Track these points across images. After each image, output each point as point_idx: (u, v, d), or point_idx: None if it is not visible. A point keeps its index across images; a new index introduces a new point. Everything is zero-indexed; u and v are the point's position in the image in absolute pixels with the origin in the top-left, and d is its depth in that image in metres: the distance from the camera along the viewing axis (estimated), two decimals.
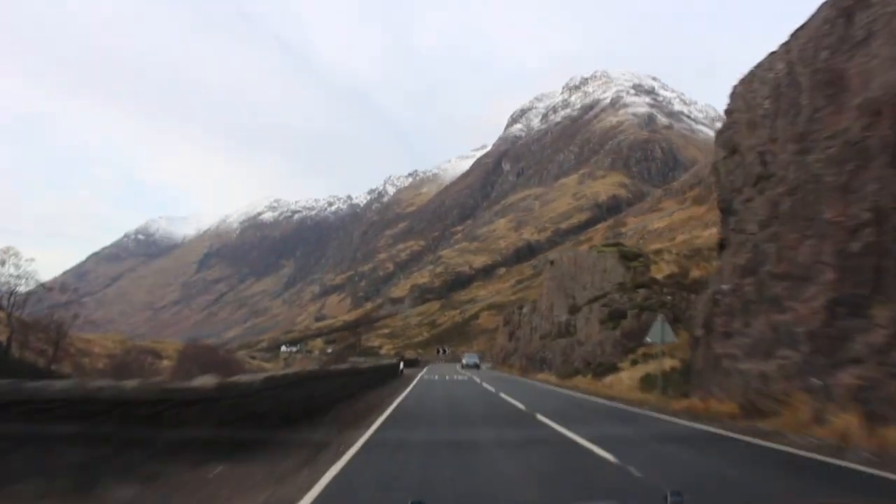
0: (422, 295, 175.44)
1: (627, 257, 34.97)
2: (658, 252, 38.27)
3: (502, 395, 18.43)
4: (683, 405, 13.27)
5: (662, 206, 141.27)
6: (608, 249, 37.54)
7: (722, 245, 15.83)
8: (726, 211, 16.14)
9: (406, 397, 17.10)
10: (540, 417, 11.46)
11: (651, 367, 24.72)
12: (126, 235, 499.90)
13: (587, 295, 36.48)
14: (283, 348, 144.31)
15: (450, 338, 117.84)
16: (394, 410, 13.01)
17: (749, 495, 5.50)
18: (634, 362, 26.80)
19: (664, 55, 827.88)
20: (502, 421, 11.85)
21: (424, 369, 46.73)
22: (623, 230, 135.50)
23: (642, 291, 30.77)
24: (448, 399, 17.27)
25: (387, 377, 26.06)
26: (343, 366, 14.30)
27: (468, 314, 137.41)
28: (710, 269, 35.90)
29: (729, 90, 16.60)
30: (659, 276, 32.54)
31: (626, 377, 24.33)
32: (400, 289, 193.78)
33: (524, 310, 55.00)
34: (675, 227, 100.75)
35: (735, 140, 16.19)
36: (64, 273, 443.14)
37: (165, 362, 46.59)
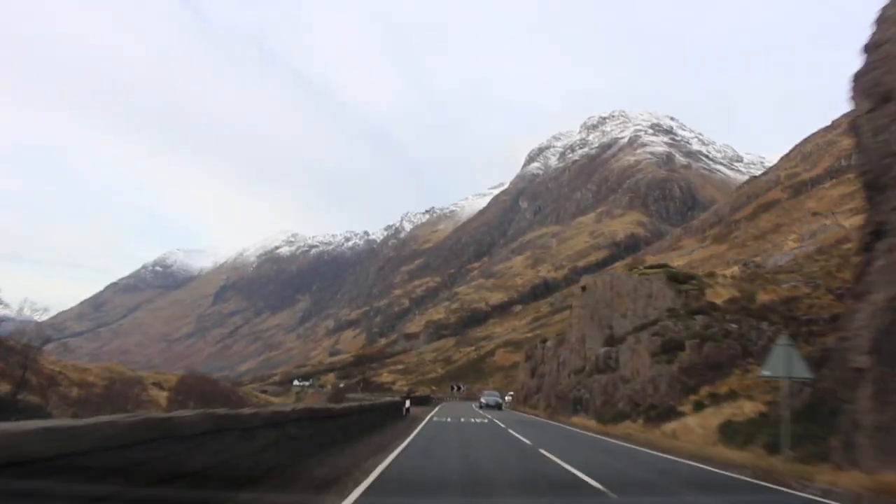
0: (437, 331, 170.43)
1: (677, 279, 29.62)
2: (711, 275, 33.04)
3: (544, 452, 12.94)
4: (858, 482, 7.94)
5: (682, 245, 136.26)
6: (653, 271, 32.18)
7: (877, 233, 10.74)
8: (877, 186, 11.09)
9: (401, 453, 11.87)
10: None
11: (727, 411, 19.26)
12: (144, 267, 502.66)
13: (627, 324, 31.17)
14: (296, 382, 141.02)
15: (465, 375, 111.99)
16: (373, 482, 7.86)
17: None
18: (699, 405, 21.29)
19: (682, 95, 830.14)
20: None
21: (436, 408, 40.97)
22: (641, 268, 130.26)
23: (700, 318, 25.44)
24: (465, 458, 12.00)
25: (387, 419, 20.83)
26: (287, 408, 9.01)
27: (484, 351, 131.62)
28: (781, 292, 30.47)
29: (875, 14, 11.80)
30: (718, 301, 27.13)
31: (696, 425, 18.83)
32: (415, 324, 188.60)
33: (548, 343, 49.43)
34: (696, 265, 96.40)
35: (887, 83, 11.24)
36: (81, 303, 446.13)
37: (164, 393, 43.42)
